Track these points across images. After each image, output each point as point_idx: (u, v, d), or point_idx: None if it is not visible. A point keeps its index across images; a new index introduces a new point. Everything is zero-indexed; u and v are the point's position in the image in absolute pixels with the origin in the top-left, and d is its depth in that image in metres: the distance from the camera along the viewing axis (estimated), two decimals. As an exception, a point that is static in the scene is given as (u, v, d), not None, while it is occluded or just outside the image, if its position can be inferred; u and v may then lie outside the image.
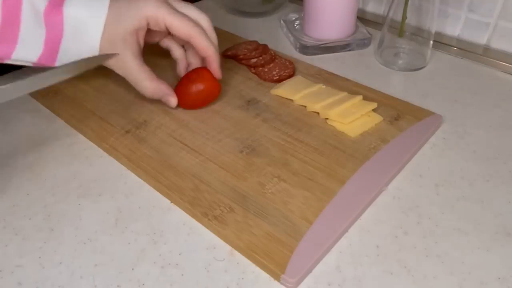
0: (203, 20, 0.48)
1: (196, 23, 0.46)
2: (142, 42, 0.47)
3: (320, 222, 0.36)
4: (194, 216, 0.38)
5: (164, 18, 0.45)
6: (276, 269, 0.33)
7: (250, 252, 0.34)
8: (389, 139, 0.45)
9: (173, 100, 0.48)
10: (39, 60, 0.44)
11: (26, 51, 0.44)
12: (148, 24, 0.45)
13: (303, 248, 0.34)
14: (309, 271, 0.34)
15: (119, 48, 0.45)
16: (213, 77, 0.48)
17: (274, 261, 0.34)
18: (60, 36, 0.44)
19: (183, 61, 0.52)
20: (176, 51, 0.51)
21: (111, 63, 0.46)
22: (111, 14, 0.44)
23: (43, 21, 0.43)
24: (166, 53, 0.52)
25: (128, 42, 0.45)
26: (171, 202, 0.40)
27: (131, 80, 0.46)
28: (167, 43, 0.51)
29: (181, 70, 0.52)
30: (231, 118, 0.48)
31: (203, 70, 0.49)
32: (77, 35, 0.44)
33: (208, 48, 0.47)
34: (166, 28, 0.45)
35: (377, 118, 0.48)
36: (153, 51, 0.51)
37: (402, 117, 0.48)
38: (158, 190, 0.41)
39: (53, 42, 0.44)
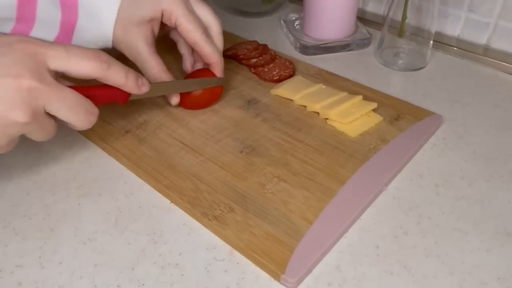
0: (214, 24, 0.48)
1: (205, 29, 0.47)
2: (156, 31, 0.47)
3: (320, 222, 0.36)
4: (194, 216, 0.38)
5: (176, 17, 0.45)
6: (276, 269, 0.33)
7: (250, 252, 0.34)
8: (389, 139, 0.45)
9: (174, 99, 0.48)
10: (56, 40, 0.45)
11: (43, 30, 0.44)
12: (162, 16, 0.45)
13: (303, 248, 0.34)
14: (309, 271, 0.34)
15: (133, 35, 0.45)
16: None
17: (274, 261, 0.34)
18: (75, 18, 0.44)
19: (189, 56, 0.52)
20: (183, 46, 0.51)
21: (123, 48, 0.46)
22: (127, 1, 0.44)
23: (59, 3, 0.43)
24: (172, 49, 0.52)
25: (142, 30, 0.45)
26: (171, 202, 0.40)
27: (140, 67, 0.47)
28: (176, 36, 0.51)
29: (187, 66, 0.52)
30: (231, 118, 0.48)
31: (206, 71, 0.49)
32: (92, 19, 0.44)
33: (212, 55, 0.47)
34: (175, 26, 0.46)
35: (377, 118, 0.48)
36: (159, 46, 0.50)
37: (402, 117, 0.48)
38: (158, 190, 0.41)
39: (68, 24, 0.44)
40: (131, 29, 0.45)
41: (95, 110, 0.37)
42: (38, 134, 0.35)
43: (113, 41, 0.46)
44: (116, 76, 0.37)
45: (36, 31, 0.44)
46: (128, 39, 0.45)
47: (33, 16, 0.43)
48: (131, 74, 0.39)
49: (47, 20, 0.44)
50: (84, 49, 0.35)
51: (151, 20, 0.45)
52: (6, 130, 0.32)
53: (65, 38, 0.45)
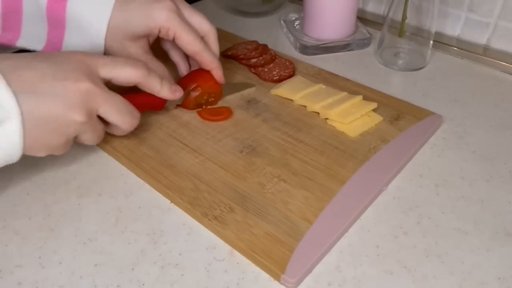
0: (211, 32, 0.49)
1: (202, 37, 0.48)
2: (152, 41, 0.48)
3: (320, 222, 0.36)
4: (194, 216, 0.38)
5: (174, 31, 0.45)
6: (276, 269, 0.33)
7: (250, 252, 0.34)
8: (389, 139, 0.45)
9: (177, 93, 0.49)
10: (44, 49, 0.45)
11: (30, 40, 0.45)
12: (159, 32, 0.46)
13: (303, 248, 0.34)
14: (309, 271, 0.34)
15: (130, 49, 0.46)
16: (215, 79, 0.49)
17: (274, 261, 0.34)
18: (63, 31, 0.44)
19: (183, 63, 0.52)
20: (175, 54, 0.52)
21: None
22: (121, 16, 0.44)
23: (46, 15, 0.43)
24: (165, 53, 0.52)
25: (140, 43, 0.46)
26: (171, 202, 0.40)
27: None
28: (167, 45, 0.51)
29: (183, 71, 0.52)
30: (231, 118, 0.48)
31: (204, 71, 0.49)
32: (81, 32, 0.44)
33: (212, 62, 0.48)
34: (173, 39, 0.46)
35: (377, 118, 0.48)
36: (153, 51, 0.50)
37: (402, 117, 0.48)
38: (158, 190, 0.41)
39: (55, 36, 0.45)
40: (127, 44, 0.46)
41: (137, 114, 0.41)
42: (90, 135, 0.38)
43: (106, 53, 0.46)
44: (154, 82, 0.42)
45: (22, 40, 0.45)
46: (126, 52, 0.46)
47: (19, 27, 0.44)
48: (166, 81, 0.43)
49: (33, 31, 0.44)
50: (127, 58, 0.40)
51: (147, 35, 0.46)
52: (64, 129, 0.36)
53: (53, 48, 0.46)
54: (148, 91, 0.42)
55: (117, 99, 0.39)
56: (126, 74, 0.40)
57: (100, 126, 0.39)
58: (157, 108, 0.46)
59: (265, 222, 0.36)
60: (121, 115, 0.39)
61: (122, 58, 0.40)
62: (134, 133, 0.46)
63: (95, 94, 0.36)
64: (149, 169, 0.42)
